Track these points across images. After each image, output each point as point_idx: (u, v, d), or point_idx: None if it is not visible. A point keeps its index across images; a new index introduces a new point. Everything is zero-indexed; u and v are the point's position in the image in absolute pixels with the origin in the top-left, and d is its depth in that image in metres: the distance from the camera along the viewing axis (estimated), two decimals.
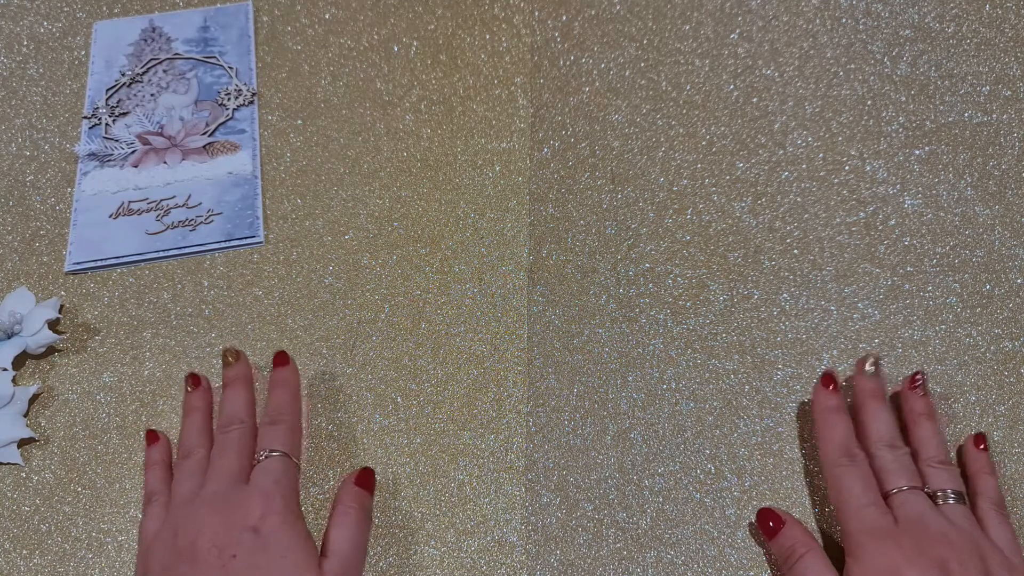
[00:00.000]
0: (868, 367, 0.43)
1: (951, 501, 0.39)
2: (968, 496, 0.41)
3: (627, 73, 0.56)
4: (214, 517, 0.38)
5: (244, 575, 0.36)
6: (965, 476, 0.42)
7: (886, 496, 0.40)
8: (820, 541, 0.41)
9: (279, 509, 0.39)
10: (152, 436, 0.45)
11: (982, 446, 0.42)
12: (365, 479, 0.42)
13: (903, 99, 0.54)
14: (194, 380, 0.46)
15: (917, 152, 0.52)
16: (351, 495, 0.41)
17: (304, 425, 0.45)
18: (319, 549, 0.40)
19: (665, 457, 0.44)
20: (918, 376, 0.43)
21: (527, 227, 0.51)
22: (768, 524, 0.41)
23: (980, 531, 0.38)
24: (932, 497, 0.39)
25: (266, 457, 0.41)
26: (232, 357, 0.46)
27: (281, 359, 0.46)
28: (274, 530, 0.38)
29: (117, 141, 0.55)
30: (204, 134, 0.55)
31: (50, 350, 0.48)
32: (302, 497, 0.43)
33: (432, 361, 0.47)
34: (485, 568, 0.42)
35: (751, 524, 0.42)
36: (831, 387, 0.43)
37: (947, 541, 0.37)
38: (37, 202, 0.53)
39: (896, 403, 0.44)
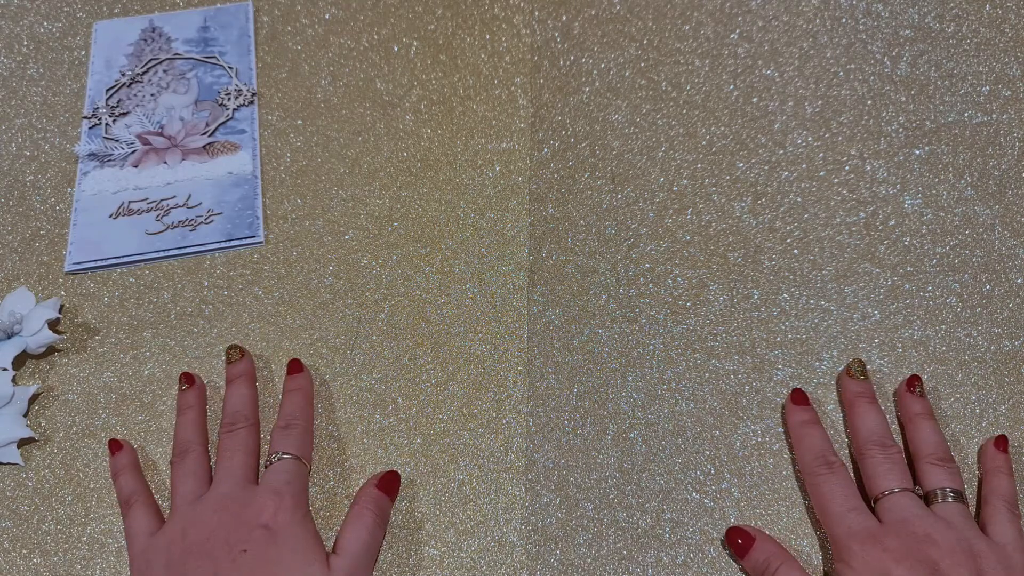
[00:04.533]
0: (855, 370, 0.44)
1: (949, 499, 0.39)
2: (982, 494, 0.41)
3: (627, 73, 0.56)
4: (225, 516, 0.39)
5: (254, 568, 0.37)
6: (982, 474, 0.42)
7: (877, 498, 0.40)
8: (817, 543, 0.41)
9: (289, 507, 0.39)
10: (115, 445, 0.44)
11: (1003, 448, 0.42)
12: (387, 483, 0.43)
13: (903, 99, 0.54)
14: (188, 379, 0.46)
15: (917, 152, 0.52)
16: (369, 497, 0.42)
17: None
18: (331, 547, 0.40)
19: (665, 457, 0.44)
20: (916, 379, 0.44)
21: (527, 227, 0.51)
22: (737, 542, 0.40)
23: (975, 530, 0.38)
24: (930, 495, 0.39)
25: (278, 459, 0.41)
26: (236, 354, 0.46)
27: (295, 366, 0.46)
28: (284, 526, 0.39)
29: (117, 141, 0.55)
30: (204, 134, 0.55)
31: (50, 350, 0.48)
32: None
33: (432, 361, 0.47)
34: (485, 568, 0.42)
35: (721, 542, 0.42)
36: (802, 403, 0.44)
37: (934, 541, 0.37)
38: (37, 202, 0.53)
39: (890, 406, 0.45)
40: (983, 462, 0.42)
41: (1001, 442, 0.42)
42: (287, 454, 0.42)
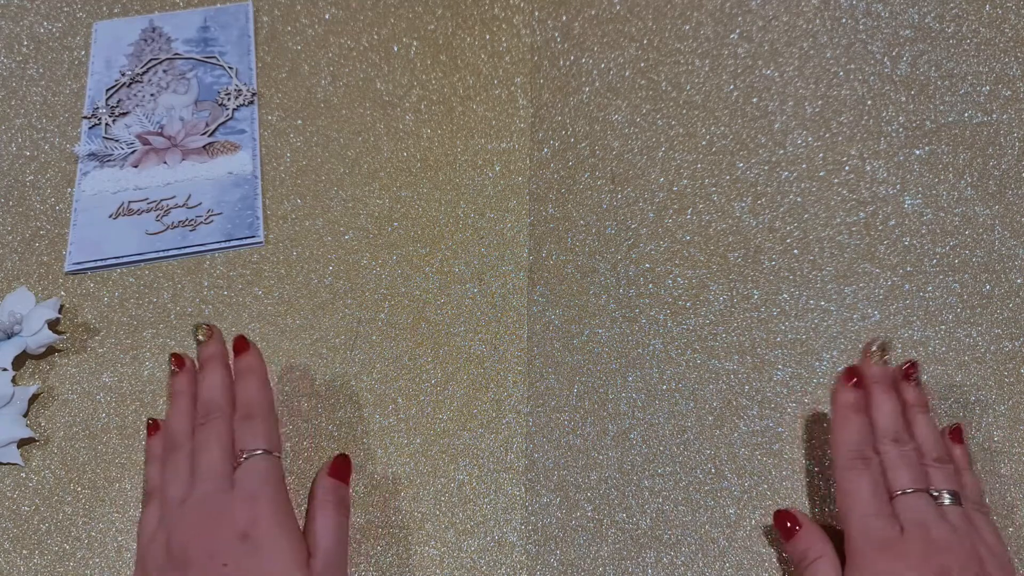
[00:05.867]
0: (875, 349, 0.41)
1: (947, 502, 0.39)
2: None
3: (627, 73, 0.56)
4: (204, 523, 0.37)
5: None
6: None
7: (891, 497, 0.39)
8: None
9: (267, 512, 0.38)
10: (153, 426, 0.43)
11: (957, 439, 0.41)
12: (338, 468, 0.41)
13: (903, 99, 0.54)
14: (177, 361, 0.43)
15: (917, 152, 0.52)
16: (325, 488, 0.41)
17: (278, 411, 0.44)
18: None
19: (665, 457, 0.44)
20: (912, 366, 0.43)
21: (527, 227, 0.51)
22: (785, 525, 0.40)
23: (976, 533, 0.38)
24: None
25: (247, 458, 0.39)
26: (204, 334, 0.43)
27: (241, 344, 0.43)
28: (263, 534, 0.37)
29: (117, 141, 0.55)
30: (204, 134, 0.55)
31: (50, 350, 0.48)
32: (300, 496, 0.43)
33: (432, 361, 0.47)
34: (485, 568, 0.42)
35: (766, 527, 0.42)
36: (853, 382, 0.41)
37: (949, 548, 0.36)
38: (37, 202, 0.53)
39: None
40: None
41: (955, 433, 0.41)
42: (256, 451, 0.39)
